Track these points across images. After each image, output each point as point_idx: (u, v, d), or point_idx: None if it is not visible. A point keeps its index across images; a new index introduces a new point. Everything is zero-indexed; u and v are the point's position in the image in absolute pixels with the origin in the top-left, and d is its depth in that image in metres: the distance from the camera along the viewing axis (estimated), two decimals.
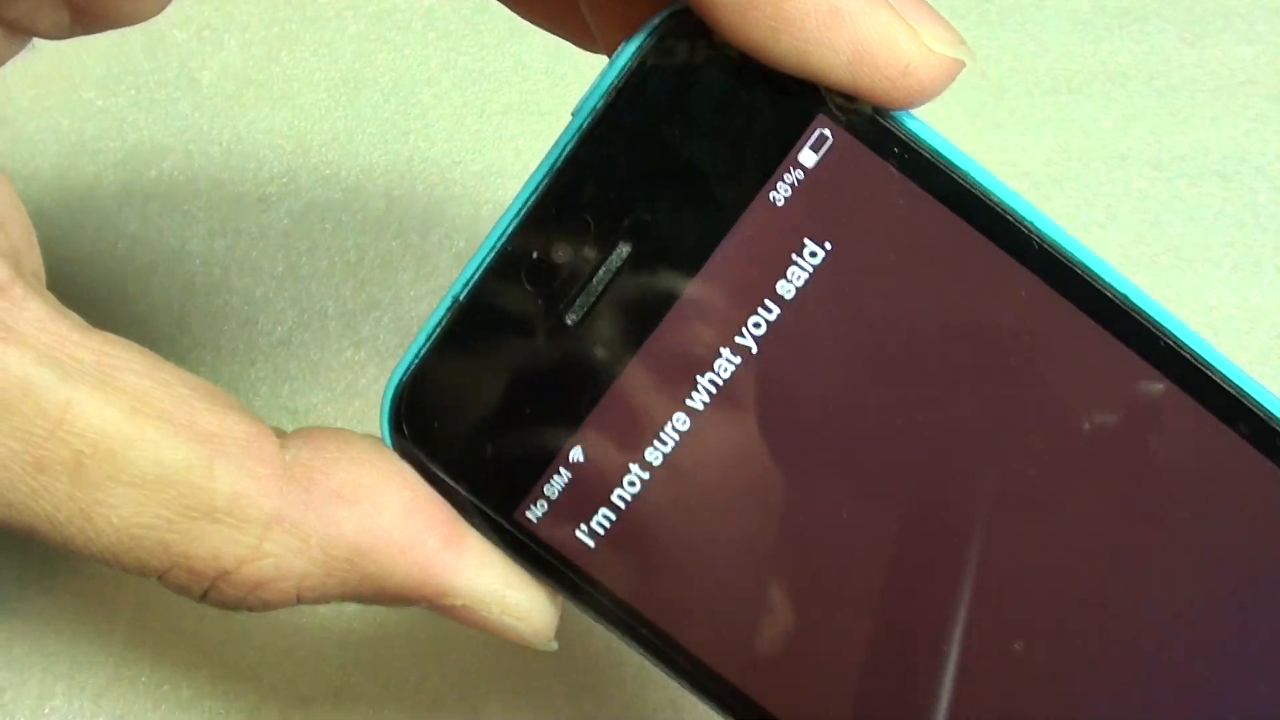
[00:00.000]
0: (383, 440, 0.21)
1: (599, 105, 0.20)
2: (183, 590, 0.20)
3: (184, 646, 0.34)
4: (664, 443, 0.20)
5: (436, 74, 0.41)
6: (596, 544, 0.21)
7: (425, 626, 0.35)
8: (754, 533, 0.20)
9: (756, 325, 0.20)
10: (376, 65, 0.41)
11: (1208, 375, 0.20)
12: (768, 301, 0.20)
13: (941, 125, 0.41)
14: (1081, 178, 0.40)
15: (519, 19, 0.25)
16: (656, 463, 0.20)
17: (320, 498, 0.19)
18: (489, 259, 0.21)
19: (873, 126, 0.20)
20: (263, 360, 0.37)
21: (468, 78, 0.41)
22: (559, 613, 0.22)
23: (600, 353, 0.20)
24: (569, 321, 0.20)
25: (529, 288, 0.20)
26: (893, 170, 0.20)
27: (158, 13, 0.23)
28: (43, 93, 0.39)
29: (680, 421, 0.20)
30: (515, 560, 0.21)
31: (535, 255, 0.20)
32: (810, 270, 0.20)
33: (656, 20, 0.20)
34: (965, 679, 0.20)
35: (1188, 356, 0.20)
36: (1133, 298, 0.21)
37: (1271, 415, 0.20)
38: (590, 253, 0.20)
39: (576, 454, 0.21)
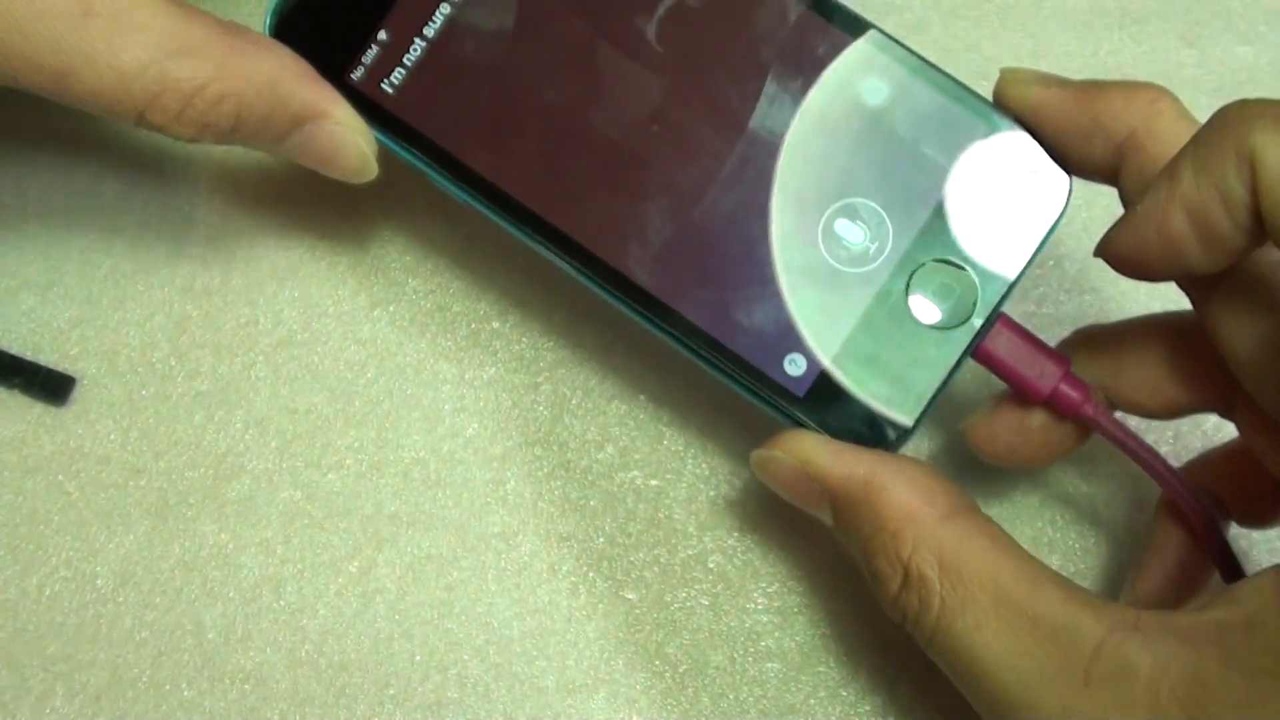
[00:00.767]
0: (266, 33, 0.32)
1: None
2: (164, 113, 0.29)
3: (185, 648, 0.34)
4: (434, 24, 0.32)
5: None
6: (394, 91, 0.32)
7: (425, 628, 0.35)
8: (496, 83, 0.32)
9: None
10: None
11: None
12: None
13: None
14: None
15: None
16: (431, 36, 0.32)
17: (251, 46, 0.30)
18: None
19: None
20: (263, 361, 0.37)
21: None
22: (374, 149, 0.32)
23: None
24: None
25: None
26: None
27: None
28: None
29: (441, 14, 0.32)
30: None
31: None
32: None
33: None
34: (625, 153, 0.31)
35: None
36: None
37: None
38: None
39: (383, 35, 0.32)
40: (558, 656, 0.34)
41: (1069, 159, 0.30)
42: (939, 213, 0.30)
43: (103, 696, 0.34)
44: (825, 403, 0.30)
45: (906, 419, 0.30)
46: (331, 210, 0.39)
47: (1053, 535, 0.35)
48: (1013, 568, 0.27)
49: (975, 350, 0.30)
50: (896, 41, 0.31)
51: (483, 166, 0.31)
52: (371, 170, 0.33)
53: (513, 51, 0.32)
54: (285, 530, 0.35)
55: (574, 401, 0.37)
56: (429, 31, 0.32)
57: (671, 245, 0.31)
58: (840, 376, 0.30)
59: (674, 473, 0.36)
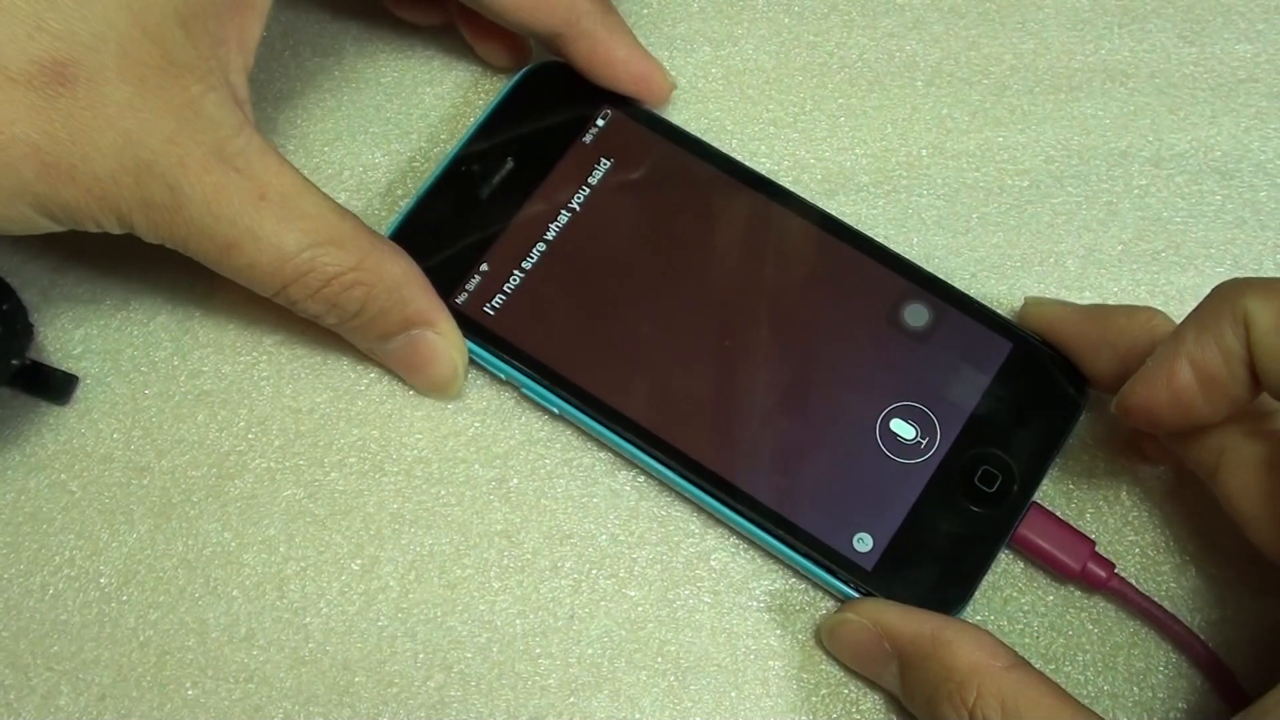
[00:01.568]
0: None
1: (491, 112, 0.39)
2: (304, 289, 0.33)
3: (188, 646, 0.34)
4: (530, 259, 0.37)
5: (439, 75, 0.41)
6: (494, 313, 0.36)
7: (428, 626, 0.35)
8: (589, 304, 0.37)
9: (578, 198, 0.37)
10: (379, 64, 0.41)
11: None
12: (584, 187, 0.38)
13: (944, 123, 0.41)
14: (1082, 175, 0.40)
15: None
16: (528, 269, 0.37)
17: (387, 249, 0.34)
18: (441, 170, 0.38)
19: (636, 112, 0.39)
20: (266, 360, 0.37)
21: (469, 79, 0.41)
22: (466, 368, 0.36)
23: (497, 216, 0.37)
24: (482, 197, 0.37)
25: (462, 183, 0.38)
26: (641, 127, 0.39)
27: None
28: None
29: (537, 251, 0.37)
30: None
31: (464, 169, 0.38)
32: (604, 171, 0.38)
33: (524, 71, 0.39)
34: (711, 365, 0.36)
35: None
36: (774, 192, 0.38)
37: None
38: (493, 165, 0.38)
39: (485, 267, 0.37)
40: (560, 654, 0.34)
41: (1083, 369, 0.35)
42: (979, 413, 0.35)
43: (107, 695, 0.34)
44: (889, 575, 0.33)
45: (960, 591, 0.33)
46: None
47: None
48: (1070, 714, 0.30)
49: (1013, 535, 0.34)
50: (935, 276, 0.37)
51: (571, 374, 0.35)
52: (458, 386, 0.36)
53: (599, 280, 0.36)
54: (288, 529, 0.36)
55: None
56: (526, 265, 0.36)
57: (754, 441, 0.35)
58: (903, 553, 0.34)
59: None
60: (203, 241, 0.31)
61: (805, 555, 0.34)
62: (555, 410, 0.36)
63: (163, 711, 0.34)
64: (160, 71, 0.30)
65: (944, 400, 0.35)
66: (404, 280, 0.34)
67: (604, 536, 0.36)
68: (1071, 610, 0.35)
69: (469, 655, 0.34)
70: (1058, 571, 0.35)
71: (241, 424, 0.37)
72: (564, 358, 0.36)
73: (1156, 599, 0.35)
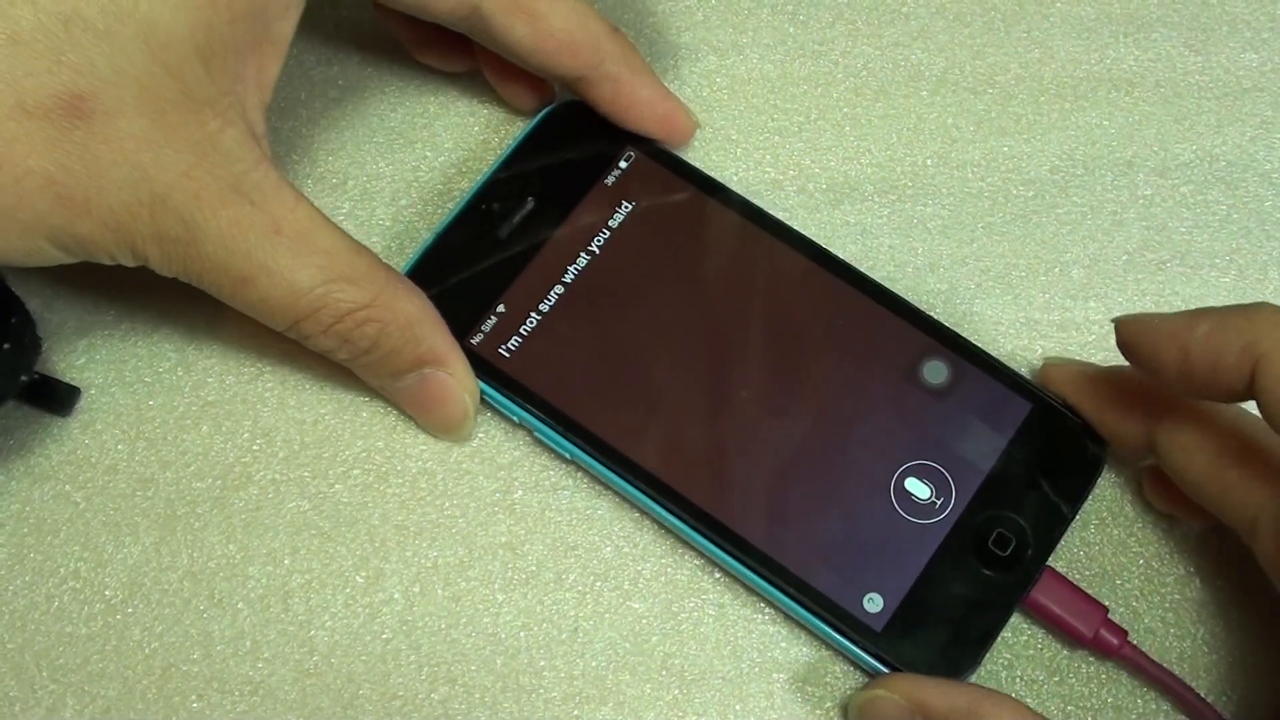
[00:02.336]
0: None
1: (512, 151, 0.38)
2: (316, 325, 0.33)
3: (193, 659, 0.34)
4: (548, 301, 0.36)
5: (443, 84, 0.41)
6: (509, 355, 0.36)
7: (432, 639, 0.35)
8: (602, 349, 0.36)
9: (598, 241, 0.37)
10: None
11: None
12: (604, 230, 0.37)
13: (950, 132, 0.41)
14: (1087, 184, 0.40)
15: None
16: (544, 311, 0.36)
17: (402, 287, 0.34)
18: (460, 208, 0.38)
19: (659, 154, 0.39)
20: (271, 372, 0.37)
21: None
22: (477, 409, 0.36)
23: (515, 257, 0.37)
24: (501, 237, 0.37)
25: (481, 222, 0.37)
26: (663, 169, 0.38)
27: None
28: None
29: (554, 294, 0.36)
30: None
31: (484, 207, 0.38)
32: (625, 214, 0.38)
33: (546, 111, 0.39)
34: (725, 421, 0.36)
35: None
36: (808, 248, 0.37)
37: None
38: (513, 205, 0.38)
39: (501, 309, 0.36)
40: (565, 667, 0.34)
41: (1102, 431, 0.35)
42: (995, 475, 0.35)
43: (112, 708, 0.34)
44: (899, 637, 0.33)
45: (970, 656, 0.33)
46: (339, 220, 0.39)
47: None
48: None
49: (1025, 598, 0.34)
50: (956, 333, 0.36)
51: (586, 421, 0.35)
52: (469, 428, 0.36)
53: (616, 325, 0.36)
54: (293, 541, 0.36)
55: None
56: (544, 308, 0.36)
57: (766, 496, 0.34)
58: (913, 615, 0.33)
59: None
60: (217, 275, 0.31)
61: (814, 614, 0.33)
62: (567, 456, 0.35)
63: None
64: (178, 107, 0.30)
65: (960, 460, 0.35)
66: (418, 319, 0.34)
67: (608, 548, 0.36)
68: (1083, 677, 0.35)
69: (473, 668, 0.34)
70: (1070, 637, 0.34)
71: (246, 435, 0.37)
72: (579, 404, 0.35)
73: (1171, 667, 0.34)
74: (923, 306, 0.37)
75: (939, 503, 0.34)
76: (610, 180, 0.38)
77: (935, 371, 0.36)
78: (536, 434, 0.36)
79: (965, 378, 0.36)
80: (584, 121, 0.38)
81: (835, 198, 0.40)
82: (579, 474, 0.36)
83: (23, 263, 0.31)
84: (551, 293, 0.36)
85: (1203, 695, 0.34)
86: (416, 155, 0.40)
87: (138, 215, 0.30)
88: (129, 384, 0.37)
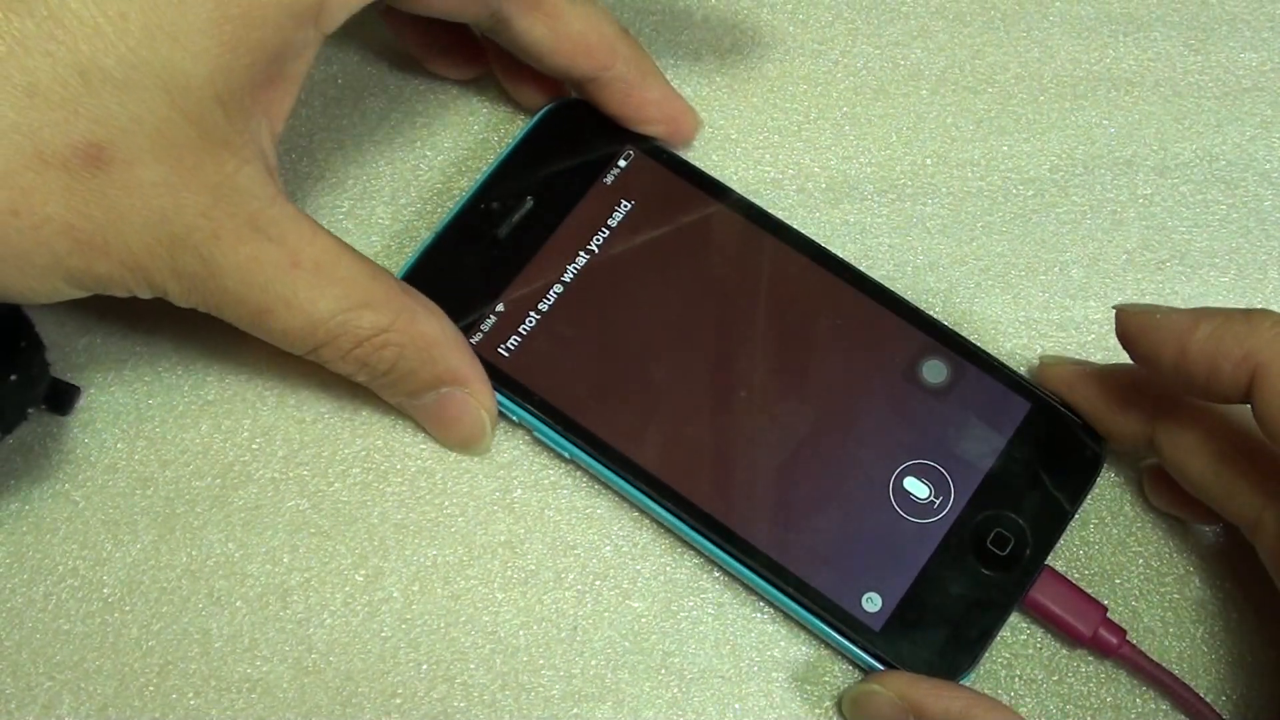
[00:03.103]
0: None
1: (511, 150, 0.38)
2: (335, 350, 0.33)
3: (191, 656, 0.34)
4: (547, 301, 0.36)
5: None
6: (509, 355, 0.36)
7: (431, 637, 0.35)
8: (598, 347, 0.36)
9: (597, 240, 0.37)
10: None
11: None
12: (603, 229, 0.37)
13: (949, 131, 0.41)
14: (1087, 184, 0.40)
15: None
16: (544, 310, 0.36)
17: (421, 310, 0.34)
18: (459, 208, 0.38)
19: (659, 153, 0.39)
20: (270, 370, 0.37)
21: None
22: (494, 425, 0.36)
23: (514, 256, 0.37)
24: (500, 236, 0.37)
25: (481, 221, 0.37)
26: (662, 168, 0.38)
27: None
28: None
29: (554, 293, 0.36)
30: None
31: (483, 206, 0.38)
32: (624, 213, 0.38)
33: (545, 110, 0.39)
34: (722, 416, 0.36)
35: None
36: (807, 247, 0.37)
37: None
38: (512, 204, 0.38)
39: (500, 308, 0.36)
40: (564, 666, 0.34)
41: (1101, 430, 0.35)
42: (994, 474, 0.35)
43: (109, 705, 0.34)
44: (897, 636, 0.33)
45: (969, 655, 0.33)
46: (339, 220, 0.39)
47: None
48: None
49: (1024, 598, 0.34)
50: (956, 332, 0.36)
51: (585, 421, 0.35)
52: (487, 444, 0.36)
53: (615, 325, 0.36)
54: (292, 539, 0.36)
55: None
56: (543, 307, 0.36)
57: (765, 495, 0.35)
58: (912, 614, 0.33)
59: None
60: (236, 308, 0.32)
61: (813, 613, 0.33)
62: (567, 455, 0.35)
63: None
64: (195, 150, 0.30)
65: (959, 459, 0.35)
66: (436, 339, 0.34)
67: (608, 547, 0.36)
68: (1082, 676, 0.35)
69: (472, 666, 0.34)
70: (1069, 636, 0.34)
71: (245, 434, 0.37)
72: (578, 403, 0.35)
73: (1170, 666, 0.34)
74: (922, 306, 0.37)
75: (938, 502, 0.34)
76: (609, 179, 0.38)
77: (934, 371, 0.36)
78: (536, 433, 0.36)
79: (964, 377, 0.36)
80: (583, 120, 0.38)
81: (834, 197, 0.40)
82: (578, 473, 0.36)
83: (40, 301, 0.31)
84: (551, 292, 0.36)
85: (1201, 695, 0.34)
86: (416, 155, 0.40)
87: (156, 255, 0.30)
88: (128, 382, 0.37)
